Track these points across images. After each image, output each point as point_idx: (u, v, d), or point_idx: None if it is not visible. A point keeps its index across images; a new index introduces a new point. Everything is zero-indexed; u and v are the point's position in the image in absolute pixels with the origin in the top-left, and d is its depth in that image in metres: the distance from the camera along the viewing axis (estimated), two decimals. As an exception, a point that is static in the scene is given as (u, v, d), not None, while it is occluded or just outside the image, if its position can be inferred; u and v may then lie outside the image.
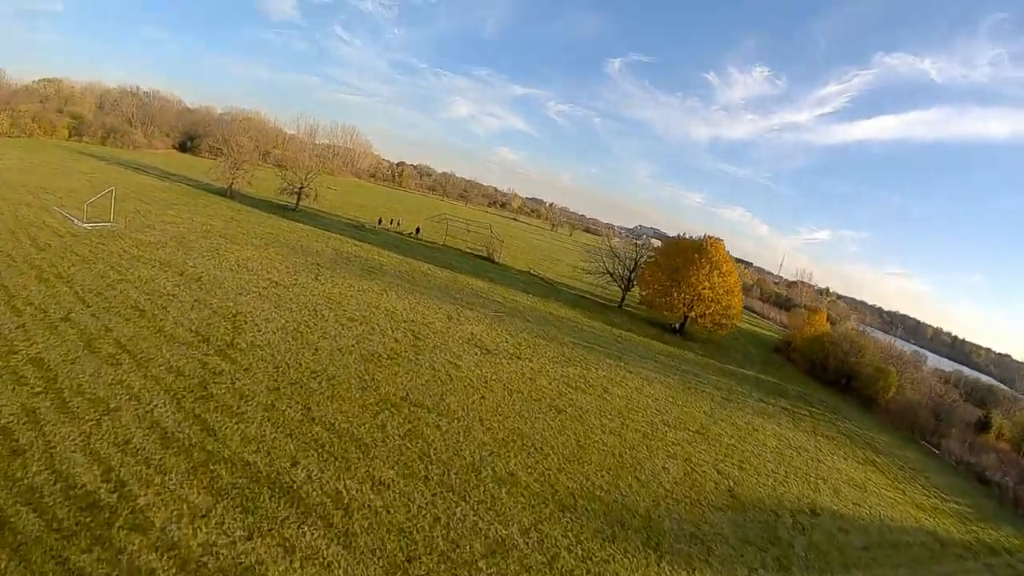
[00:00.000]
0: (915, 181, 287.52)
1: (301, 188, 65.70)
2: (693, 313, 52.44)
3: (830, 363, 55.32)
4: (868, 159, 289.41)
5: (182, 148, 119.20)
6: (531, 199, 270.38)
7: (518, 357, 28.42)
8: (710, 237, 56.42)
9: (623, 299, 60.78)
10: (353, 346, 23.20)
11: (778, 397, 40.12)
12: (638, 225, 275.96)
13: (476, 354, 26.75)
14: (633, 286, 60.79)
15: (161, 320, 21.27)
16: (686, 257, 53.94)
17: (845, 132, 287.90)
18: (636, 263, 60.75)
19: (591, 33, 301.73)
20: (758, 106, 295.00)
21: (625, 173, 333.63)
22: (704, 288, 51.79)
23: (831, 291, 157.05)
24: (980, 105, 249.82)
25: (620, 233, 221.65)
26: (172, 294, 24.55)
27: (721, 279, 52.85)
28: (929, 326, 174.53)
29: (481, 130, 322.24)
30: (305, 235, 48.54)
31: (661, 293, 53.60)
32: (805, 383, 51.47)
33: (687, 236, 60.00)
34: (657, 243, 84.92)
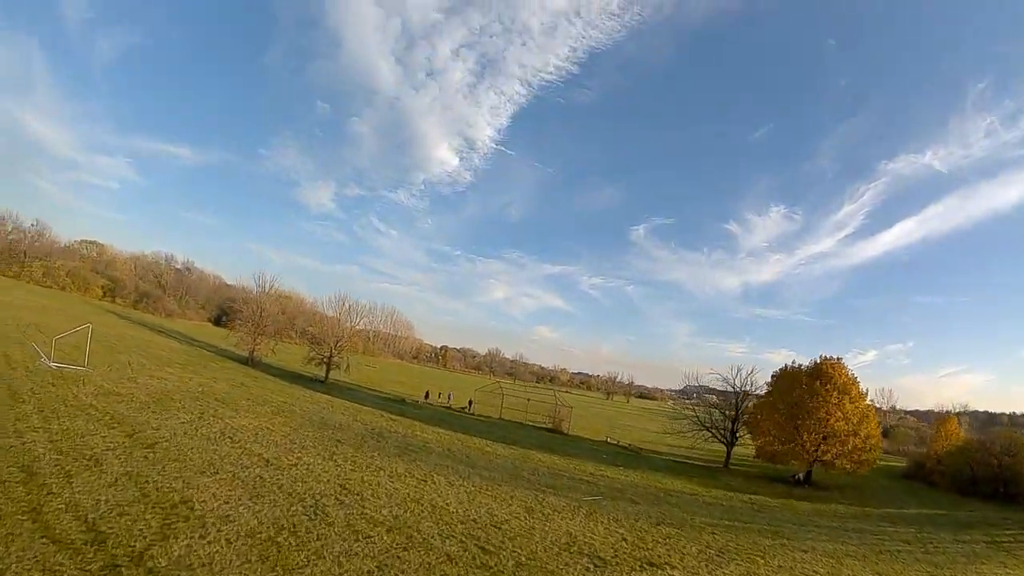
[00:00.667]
0: (947, 274, 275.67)
1: (331, 357, 59.17)
2: (828, 455, 44.82)
3: (980, 473, 51.01)
4: (897, 267, 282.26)
5: (216, 322, 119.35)
6: (578, 374, 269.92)
7: (653, 564, 17.55)
8: (827, 358, 49.24)
9: (728, 456, 53.69)
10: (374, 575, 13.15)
11: (967, 530, 35.16)
12: (687, 385, 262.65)
13: (589, 569, 16.13)
14: (738, 438, 54.79)
15: (50, 495, 12.78)
16: (806, 388, 46.59)
17: (869, 248, 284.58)
18: (739, 410, 54.95)
19: (611, 204, 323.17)
20: (781, 245, 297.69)
21: (664, 336, 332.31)
22: (836, 421, 44.52)
23: (897, 408, 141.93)
24: (987, 179, 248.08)
25: (671, 395, 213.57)
26: (96, 459, 16.37)
27: (853, 405, 45.92)
28: (1003, 414, 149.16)
29: (518, 311, 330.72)
30: (329, 407, 41.23)
31: (784, 439, 46.42)
32: (963, 504, 46.59)
33: (797, 366, 51.90)
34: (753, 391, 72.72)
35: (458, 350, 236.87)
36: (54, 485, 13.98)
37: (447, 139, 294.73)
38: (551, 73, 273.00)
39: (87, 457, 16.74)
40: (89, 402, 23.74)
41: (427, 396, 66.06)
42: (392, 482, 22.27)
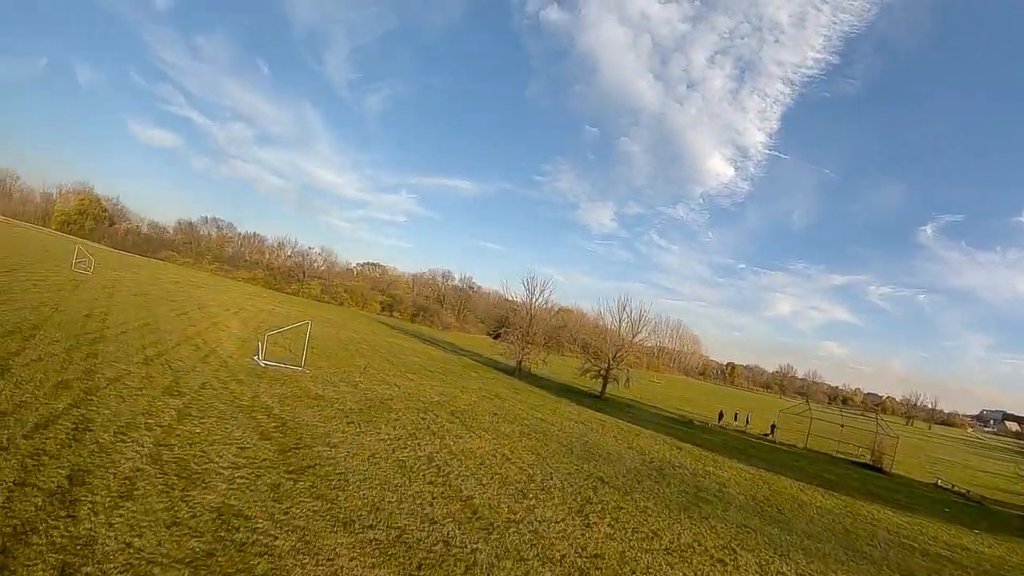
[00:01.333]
0: None
1: (608, 369, 51.69)
2: None
3: None
4: None
5: (495, 336, 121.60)
6: (870, 394, 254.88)
7: None
8: None
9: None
10: None
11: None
12: (982, 411, 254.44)
13: None
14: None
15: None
16: None
17: None
18: None
19: (895, 203, 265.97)
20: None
21: (953, 351, 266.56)
22: None
23: None
24: None
25: (968, 421, 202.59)
26: (192, 478, 9.60)
27: None
28: None
29: (805, 325, 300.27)
30: (599, 427, 33.68)
31: None
32: None
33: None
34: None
35: (745, 367, 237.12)
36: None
37: (719, 149, 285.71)
38: (811, 67, 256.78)
39: (185, 473, 10.43)
40: (267, 403, 19.66)
41: (721, 418, 54.54)
42: (673, 566, 12.20)
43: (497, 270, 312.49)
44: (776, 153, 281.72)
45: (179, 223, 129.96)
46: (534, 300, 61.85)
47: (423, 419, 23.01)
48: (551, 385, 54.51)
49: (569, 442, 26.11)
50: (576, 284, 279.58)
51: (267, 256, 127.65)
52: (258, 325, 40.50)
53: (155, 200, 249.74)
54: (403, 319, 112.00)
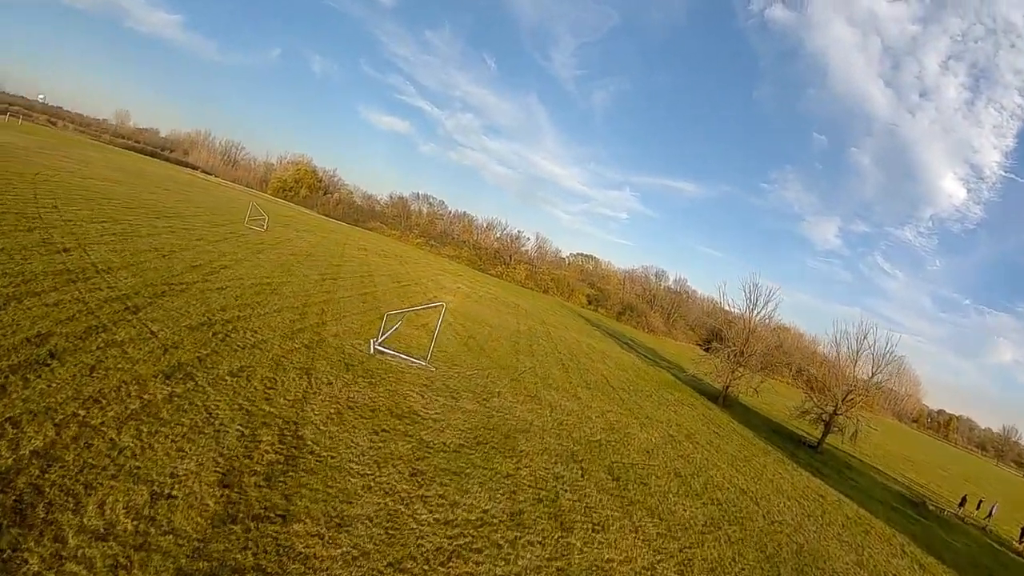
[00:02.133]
0: None
1: (832, 415, 39.04)
2: None
3: None
4: None
5: (704, 347, 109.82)
6: None
7: None
8: None
9: None
10: None
11: None
12: None
13: None
14: None
15: None
16: None
17: None
18: None
19: None
20: None
21: None
22: None
23: None
24: None
25: None
26: None
27: None
28: None
29: None
30: (817, 513, 21.87)
31: None
32: None
33: None
34: None
35: (959, 419, 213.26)
36: None
37: (951, 167, 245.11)
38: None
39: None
40: (309, 416, 12.56)
41: (962, 504, 38.27)
42: None
43: (713, 276, 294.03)
44: (1012, 176, 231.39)
45: (391, 196, 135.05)
46: (755, 313, 50.19)
47: (557, 480, 14.46)
48: (759, 422, 43.04)
49: (776, 547, 15.93)
50: (791, 300, 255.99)
51: (475, 236, 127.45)
52: (410, 300, 35.57)
53: (376, 177, 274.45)
54: (608, 316, 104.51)
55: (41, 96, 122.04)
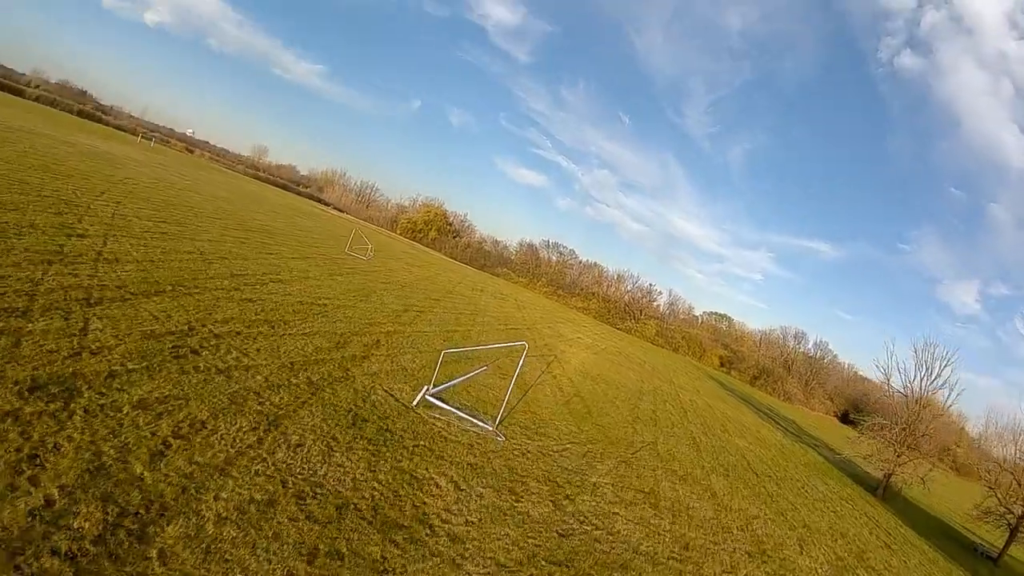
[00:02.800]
0: None
1: (1019, 523, 28.79)
2: None
3: None
4: None
5: (843, 418, 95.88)
6: None
7: None
8: None
9: None
10: None
11: None
12: None
13: None
14: None
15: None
16: None
17: None
18: None
19: None
20: None
21: None
22: None
23: None
24: None
25: None
26: None
27: None
28: None
29: None
30: None
31: None
32: None
33: None
34: None
35: None
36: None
37: None
38: None
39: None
40: (278, 502, 6.27)
41: None
42: None
43: (847, 342, 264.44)
44: None
45: (520, 243, 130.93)
46: (925, 387, 39.10)
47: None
48: (928, 524, 33.31)
49: None
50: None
51: (605, 287, 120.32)
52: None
53: (510, 227, 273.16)
54: (741, 379, 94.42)
55: (191, 131, 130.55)
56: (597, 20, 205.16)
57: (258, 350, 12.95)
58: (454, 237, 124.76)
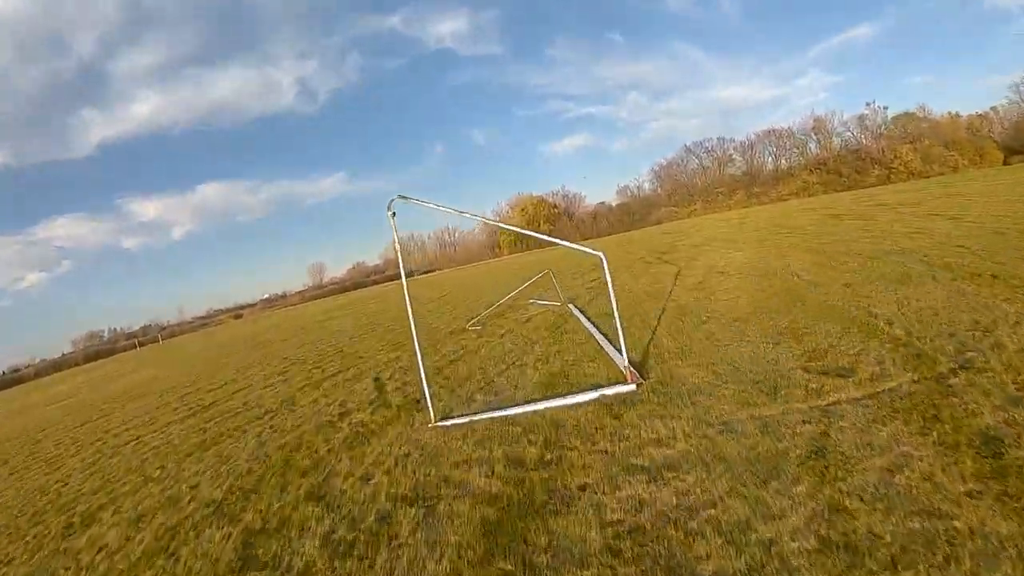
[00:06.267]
0: None
1: None
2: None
3: None
4: None
5: None
6: None
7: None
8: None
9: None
10: None
11: None
12: None
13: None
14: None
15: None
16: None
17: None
18: None
19: None
20: None
21: None
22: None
23: None
24: None
25: None
26: None
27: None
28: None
29: None
30: None
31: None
32: None
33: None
34: None
35: None
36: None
37: None
38: None
39: None
40: None
41: None
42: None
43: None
44: None
45: (652, 169, 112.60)
46: None
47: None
48: None
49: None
50: None
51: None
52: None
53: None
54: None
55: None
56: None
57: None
58: (569, 219, 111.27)
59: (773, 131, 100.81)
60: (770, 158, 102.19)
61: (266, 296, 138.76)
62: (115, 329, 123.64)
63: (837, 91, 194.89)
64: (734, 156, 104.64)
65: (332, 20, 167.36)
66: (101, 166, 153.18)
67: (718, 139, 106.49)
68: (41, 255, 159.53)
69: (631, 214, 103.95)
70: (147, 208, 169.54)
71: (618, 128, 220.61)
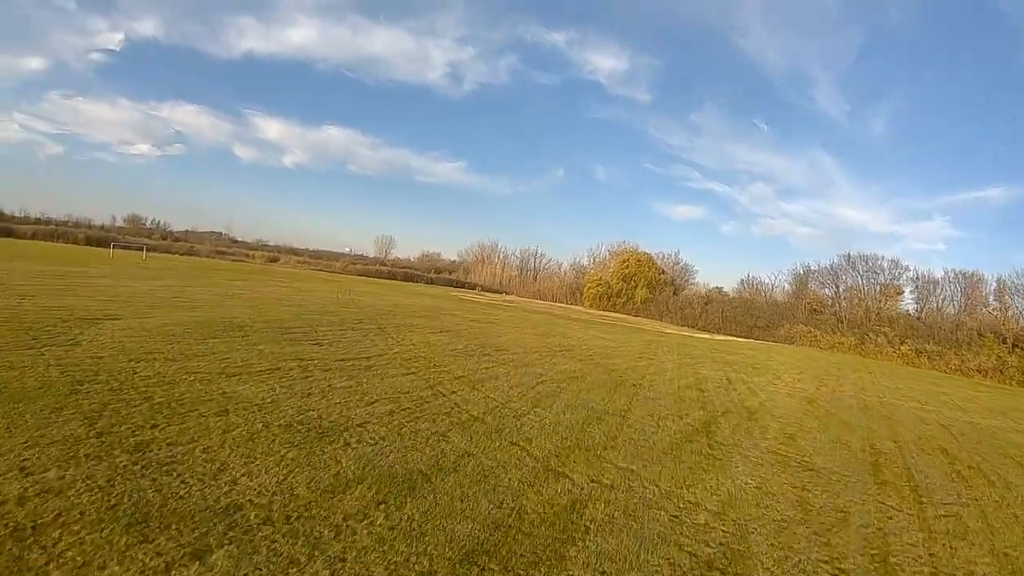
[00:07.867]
0: None
1: None
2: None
3: None
4: None
5: None
6: None
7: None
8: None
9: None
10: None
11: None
12: None
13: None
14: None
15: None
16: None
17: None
18: None
19: None
20: None
21: None
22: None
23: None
24: None
25: None
26: None
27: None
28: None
29: None
30: None
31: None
32: None
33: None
34: None
35: None
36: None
37: None
38: None
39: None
40: None
41: None
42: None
43: None
44: None
45: (741, 283, 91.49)
46: None
47: None
48: None
49: None
50: None
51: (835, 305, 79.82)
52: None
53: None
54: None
55: (347, 248, 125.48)
56: (697, 37, 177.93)
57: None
58: (674, 293, 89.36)
59: (962, 273, 73.84)
60: (951, 306, 74.67)
61: (347, 251, 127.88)
62: (158, 222, 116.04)
63: (957, 245, 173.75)
64: (905, 291, 78.12)
65: (500, 17, 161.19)
66: (240, 72, 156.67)
67: (890, 260, 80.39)
68: (159, 131, 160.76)
69: (754, 315, 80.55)
70: (270, 126, 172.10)
71: (734, 213, 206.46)
